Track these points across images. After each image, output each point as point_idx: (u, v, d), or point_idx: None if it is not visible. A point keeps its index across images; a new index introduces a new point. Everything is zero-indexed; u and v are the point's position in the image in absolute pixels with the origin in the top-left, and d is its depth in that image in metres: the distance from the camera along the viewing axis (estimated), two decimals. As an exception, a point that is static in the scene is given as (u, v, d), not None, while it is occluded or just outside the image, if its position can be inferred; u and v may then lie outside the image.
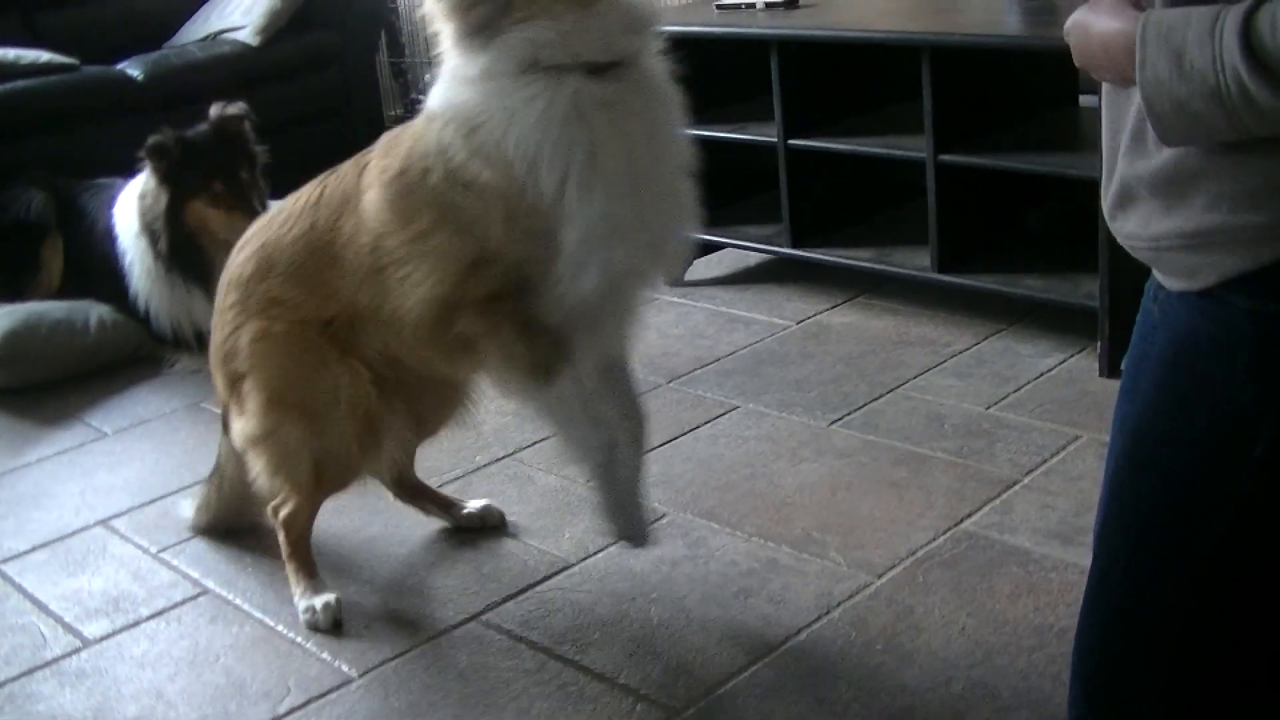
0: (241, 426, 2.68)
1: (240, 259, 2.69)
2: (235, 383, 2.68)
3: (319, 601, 2.69)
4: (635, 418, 2.60)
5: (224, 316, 2.69)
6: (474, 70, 2.23)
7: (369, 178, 2.46)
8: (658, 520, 2.72)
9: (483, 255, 2.31)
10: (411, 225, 2.37)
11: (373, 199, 2.43)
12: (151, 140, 4.04)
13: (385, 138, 2.51)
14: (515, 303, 2.33)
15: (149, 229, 4.11)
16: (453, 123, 2.28)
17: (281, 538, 2.76)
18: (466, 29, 2.21)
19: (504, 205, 2.25)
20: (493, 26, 2.18)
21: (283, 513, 2.73)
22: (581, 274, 2.25)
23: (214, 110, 4.16)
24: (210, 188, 4.04)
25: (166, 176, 4.04)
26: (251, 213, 3.72)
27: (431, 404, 2.82)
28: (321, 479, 2.68)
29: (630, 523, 2.54)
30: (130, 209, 4.20)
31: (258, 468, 2.69)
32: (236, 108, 4.19)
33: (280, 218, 2.65)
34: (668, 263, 2.51)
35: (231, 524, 3.04)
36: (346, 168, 2.57)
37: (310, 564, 2.76)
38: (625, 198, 2.24)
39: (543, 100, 2.19)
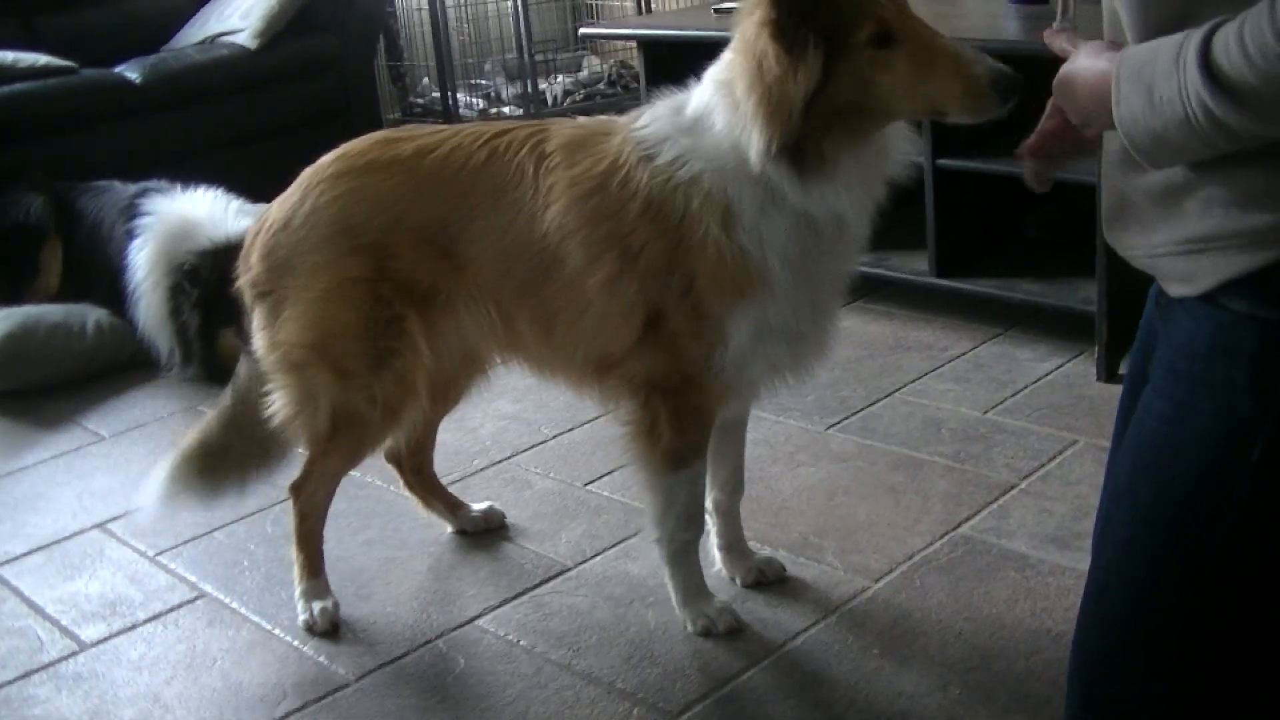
0: (272, 337, 2.58)
1: (356, 183, 2.53)
2: (276, 291, 2.57)
3: (317, 605, 2.68)
4: (735, 489, 2.68)
5: (309, 222, 2.54)
6: (763, 172, 2.20)
7: (555, 182, 2.39)
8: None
9: (658, 314, 2.34)
10: (596, 261, 2.35)
11: (558, 210, 2.37)
12: (187, 265, 3.99)
13: (564, 136, 2.44)
14: (674, 390, 2.39)
15: (181, 342, 4.06)
16: (702, 197, 2.26)
17: (294, 522, 2.71)
18: (781, 144, 2.15)
19: (714, 273, 2.27)
20: (804, 157, 2.17)
21: (301, 497, 2.69)
22: (746, 368, 2.35)
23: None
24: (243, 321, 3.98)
25: (198, 302, 3.98)
26: None
27: (464, 376, 2.82)
28: (336, 437, 2.59)
29: (705, 608, 2.56)
30: (151, 260, 4.15)
31: (277, 395, 2.60)
32: None
33: (430, 163, 2.49)
34: (802, 373, 2.51)
35: (253, 463, 2.78)
36: (517, 146, 2.45)
37: (316, 560, 2.73)
38: (814, 313, 2.36)
39: (796, 225, 2.24)
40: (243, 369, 2.77)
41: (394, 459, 2.96)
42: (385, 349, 2.51)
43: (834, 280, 2.39)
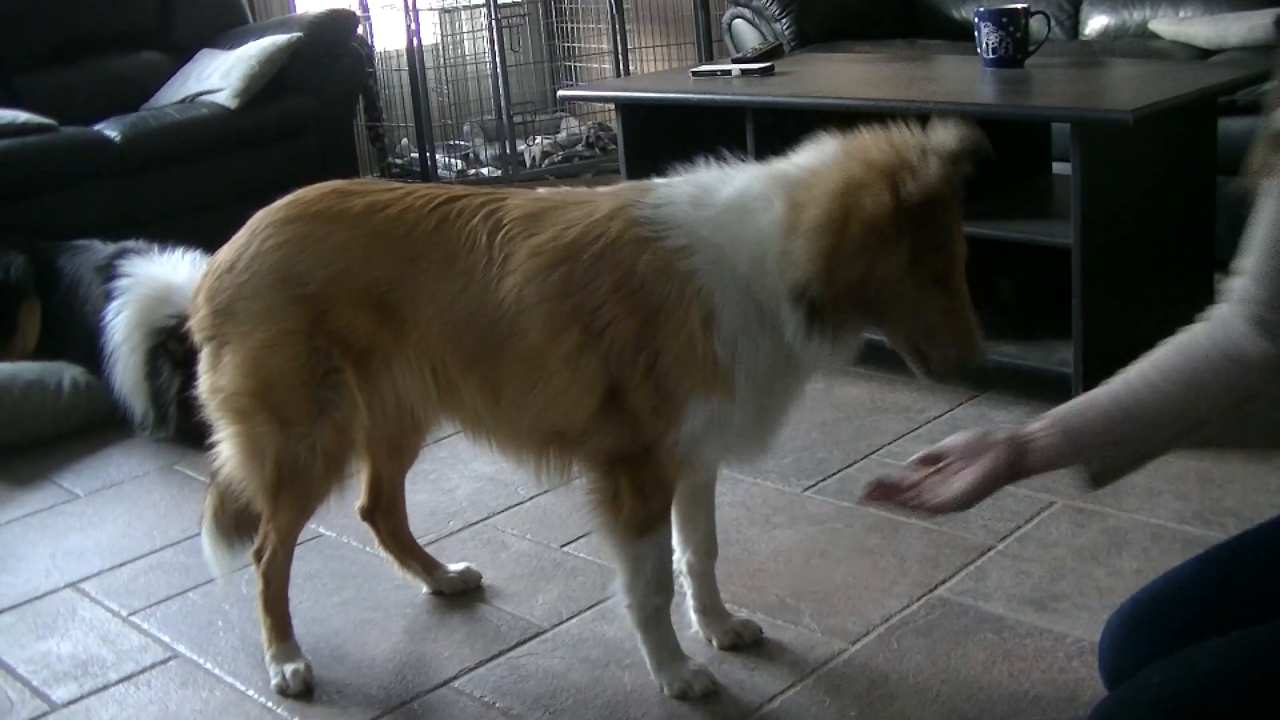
0: (214, 382, 2.58)
1: (315, 231, 2.52)
2: (218, 335, 2.56)
3: (289, 668, 2.66)
4: (709, 552, 2.68)
5: (252, 266, 2.53)
6: (767, 297, 2.24)
7: (513, 252, 2.39)
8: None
9: (618, 389, 2.34)
10: (558, 334, 2.35)
11: (516, 281, 2.37)
12: (173, 324, 3.97)
13: (521, 207, 2.44)
14: (635, 461, 2.40)
15: (157, 405, 4.05)
16: (695, 284, 2.26)
17: (259, 588, 2.70)
18: (816, 297, 2.19)
19: (684, 362, 2.28)
20: (820, 317, 2.21)
21: (264, 561, 2.67)
22: (701, 450, 2.37)
23: None
24: None
25: (182, 363, 3.96)
26: None
27: (412, 434, 2.82)
28: (283, 489, 2.57)
29: (680, 671, 2.55)
30: (131, 317, 4.13)
31: (223, 445, 2.61)
32: None
33: (380, 220, 2.49)
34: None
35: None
36: (470, 213, 2.45)
37: (284, 623, 2.72)
38: (765, 421, 2.40)
39: (774, 342, 2.27)
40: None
41: (368, 517, 2.95)
42: (324, 399, 2.50)
43: (789, 398, 2.43)
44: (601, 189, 2.45)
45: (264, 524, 2.66)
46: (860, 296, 2.17)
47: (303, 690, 2.63)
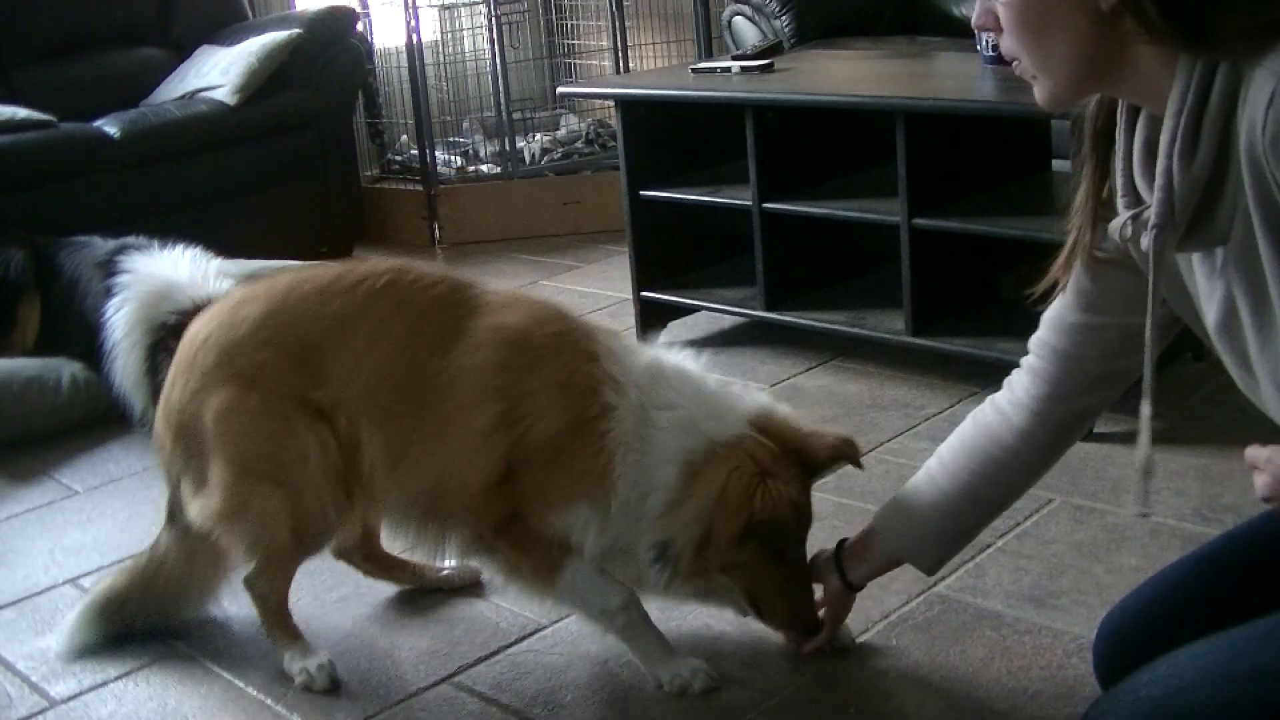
0: (206, 503, 2.61)
1: (234, 316, 2.63)
2: (194, 456, 2.63)
3: (313, 663, 2.65)
4: None
5: (190, 376, 2.63)
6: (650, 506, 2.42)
7: (480, 331, 2.50)
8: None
9: (511, 474, 2.45)
10: (479, 406, 2.45)
11: (462, 351, 2.48)
12: (174, 321, 3.98)
13: (501, 295, 2.59)
14: (513, 529, 2.49)
15: (157, 400, 4.03)
16: (623, 438, 2.40)
17: (259, 609, 2.71)
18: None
19: (581, 466, 2.42)
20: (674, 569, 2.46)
21: (258, 587, 2.68)
22: (576, 540, 2.48)
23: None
24: None
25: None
26: None
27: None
28: (301, 542, 2.63)
29: (677, 668, 2.55)
30: (131, 313, 4.13)
31: (233, 542, 2.64)
32: None
33: (306, 288, 2.61)
34: None
35: (151, 618, 2.86)
36: (435, 282, 2.58)
37: (293, 628, 2.71)
38: None
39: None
40: (164, 537, 2.82)
41: (344, 556, 2.97)
42: (305, 449, 2.55)
43: None
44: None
45: (271, 564, 2.67)
46: (708, 566, 2.42)
47: (329, 685, 2.63)
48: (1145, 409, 1.83)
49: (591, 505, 2.42)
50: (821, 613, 2.53)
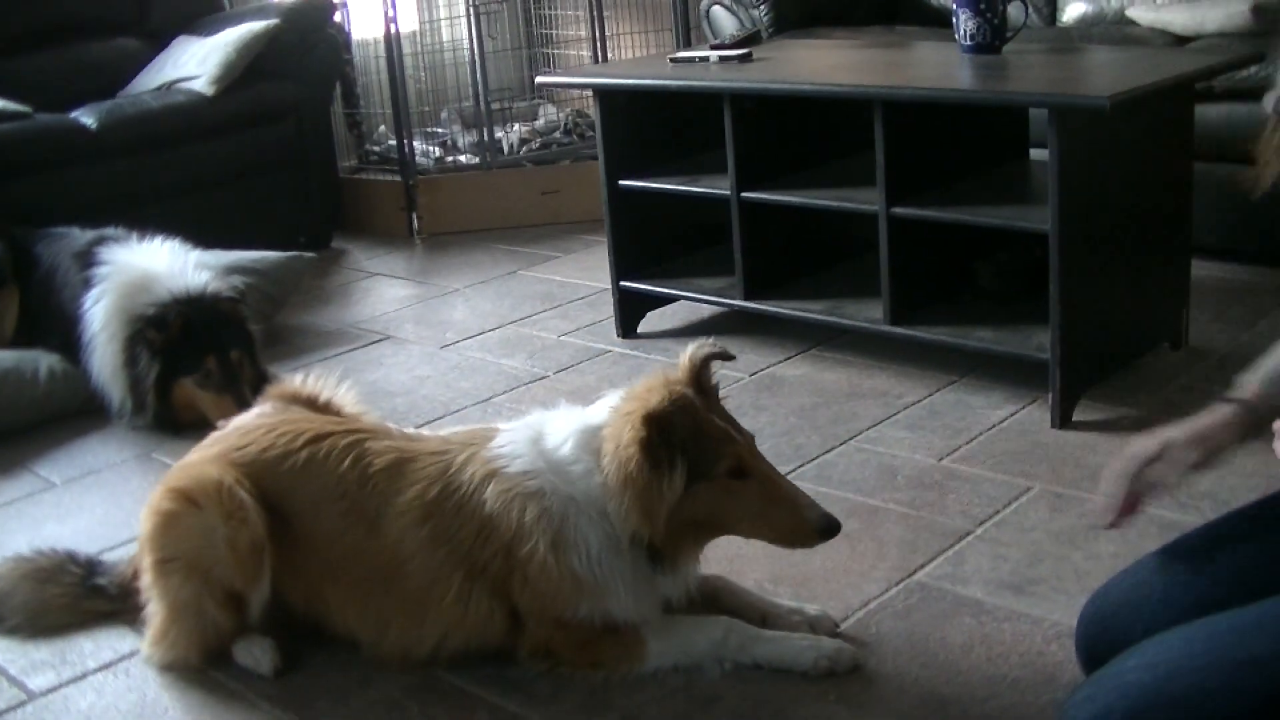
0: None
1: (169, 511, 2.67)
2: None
3: (258, 647, 2.67)
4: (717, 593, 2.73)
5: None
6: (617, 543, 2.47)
7: (387, 510, 2.56)
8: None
9: (516, 611, 2.54)
10: (444, 581, 2.52)
11: (391, 536, 2.54)
12: (153, 313, 3.98)
13: (385, 453, 2.61)
14: (572, 641, 2.53)
15: (135, 392, 4.05)
16: (539, 504, 2.46)
17: None
18: (647, 540, 2.44)
19: (544, 588, 2.48)
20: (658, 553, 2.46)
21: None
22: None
23: (211, 290, 4.09)
24: (203, 366, 3.97)
25: (161, 350, 3.97)
26: (241, 398, 3.72)
27: None
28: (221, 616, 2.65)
29: (812, 650, 2.56)
30: (105, 310, 4.12)
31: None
32: (231, 290, 4.16)
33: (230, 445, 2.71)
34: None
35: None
36: (339, 456, 2.62)
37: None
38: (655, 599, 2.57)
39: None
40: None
41: None
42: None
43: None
44: (452, 437, 2.67)
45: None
46: (683, 525, 2.42)
47: (273, 668, 2.64)
48: None
49: (573, 604, 2.48)
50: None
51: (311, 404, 2.82)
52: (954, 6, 4.03)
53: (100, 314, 4.07)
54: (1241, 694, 1.65)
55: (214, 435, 2.79)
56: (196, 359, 3.95)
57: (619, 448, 2.39)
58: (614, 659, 2.52)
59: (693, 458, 2.38)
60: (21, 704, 2.65)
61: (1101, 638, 2.02)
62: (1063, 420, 3.44)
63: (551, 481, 2.47)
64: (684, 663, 2.54)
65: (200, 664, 2.67)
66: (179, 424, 3.96)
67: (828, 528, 2.42)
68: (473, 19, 6.42)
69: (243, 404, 3.39)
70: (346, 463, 2.60)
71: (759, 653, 2.52)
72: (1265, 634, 1.68)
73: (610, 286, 4.51)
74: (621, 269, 4.45)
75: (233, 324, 4.07)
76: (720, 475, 2.39)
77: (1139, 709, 1.69)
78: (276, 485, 2.63)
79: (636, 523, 2.39)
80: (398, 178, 6.29)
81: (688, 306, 4.57)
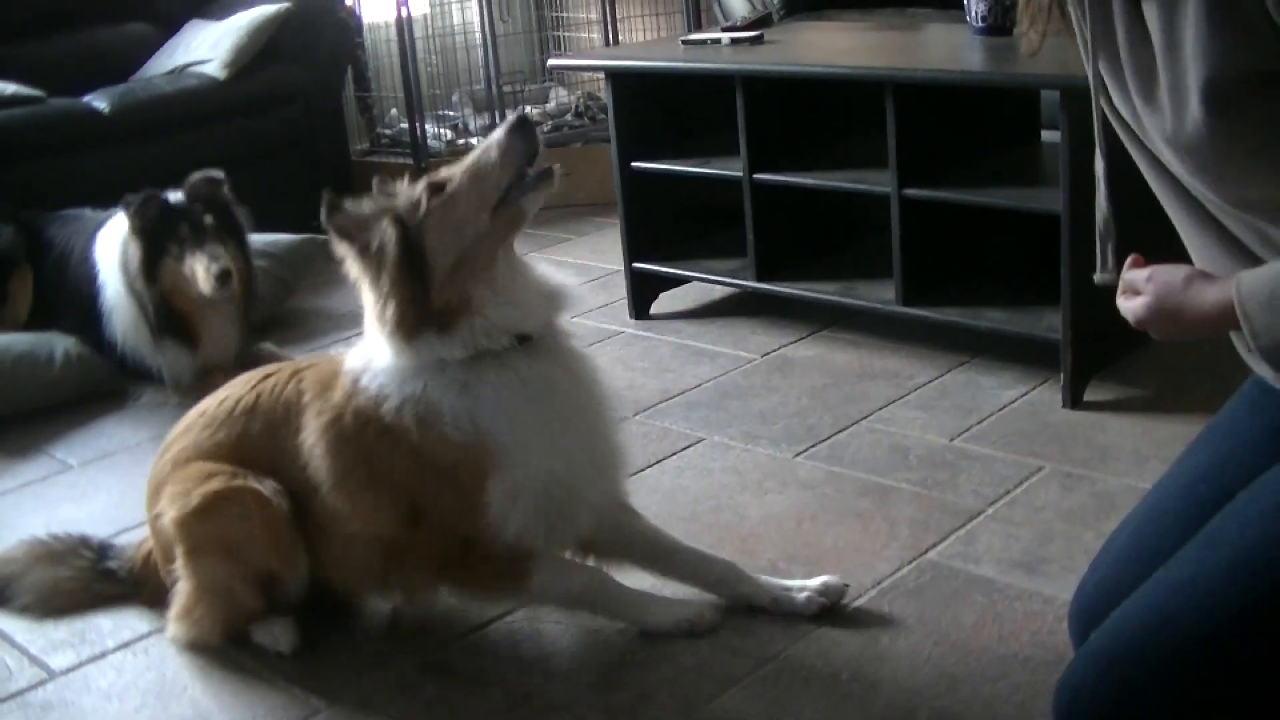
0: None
1: (161, 463, 2.77)
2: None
3: (277, 625, 2.69)
4: (669, 555, 2.72)
5: (152, 526, 2.77)
6: (421, 362, 2.47)
7: (308, 418, 2.58)
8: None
9: (415, 508, 2.53)
10: (349, 476, 2.53)
11: (311, 440, 2.56)
12: (130, 196, 4.04)
13: (316, 375, 2.64)
14: (464, 559, 2.55)
15: (132, 290, 4.09)
16: (409, 408, 2.46)
17: None
18: (405, 334, 2.45)
19: (454, 471, 2.47)
20: (426, 327, 2.44)
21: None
22: (507, 522, 2.48)
23: (192, 177, 4.16)
24: (177, 233, 4.02)
25: (141, 230, 4.03)
26: (213, 255, 3.96)
27: None
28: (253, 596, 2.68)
29: (669, 612, 2.62)
30: (112, 248, 4.18)
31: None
32: (214, 173, 4.19)
33: (203, 420, 2.73)
34: (602, 495, 2.63)
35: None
36: (281, 384, 2.67)
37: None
38: (560, 452, 2.50)
39: (496, 379, 2.46)
40: None
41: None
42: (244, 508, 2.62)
43: (584, 411, 2.58)
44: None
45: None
46: (445, 279, 2.45)
47: (292, 646, 2.67)
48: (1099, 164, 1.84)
49: (480, 479, 2.47)
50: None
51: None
52: (965, -12, 4.03)
53: (115, 282, 4.12)
54: (1189, 628, 1.68)
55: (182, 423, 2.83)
56: (173, 231, 4.06)
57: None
58: (497, 575, 2.55)
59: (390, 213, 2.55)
60: (43, 682, 2.67)
61: (1092, 625, 2.03)
62: (1074, 400, 3.45)
63: (390, 382, 2.49)
64: (563, 606, 2.64)
65: (220, 643, 2.69)
66: (171, 313, 4.11)
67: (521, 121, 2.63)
68: (484, 2, 6.43)
69: (215, 259, 3.93)
70: (286, 379, 2.67)
71: (621, 611, 2.61)
72: (1201, 567, 1.71)
73: (623, 268, 4.52)
74: (634, 251, 4.46)
75: (215, 204, 4.17)
76: (426, 203, 2.50)
77: (1104, 670, 1.74)
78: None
79: (393, 317, 2.44)
80: (410, 161, 6.30)
81: (700, 288, 4.58)
